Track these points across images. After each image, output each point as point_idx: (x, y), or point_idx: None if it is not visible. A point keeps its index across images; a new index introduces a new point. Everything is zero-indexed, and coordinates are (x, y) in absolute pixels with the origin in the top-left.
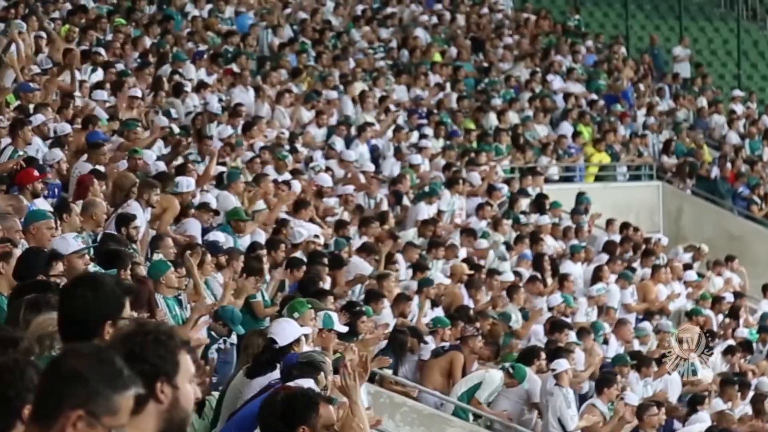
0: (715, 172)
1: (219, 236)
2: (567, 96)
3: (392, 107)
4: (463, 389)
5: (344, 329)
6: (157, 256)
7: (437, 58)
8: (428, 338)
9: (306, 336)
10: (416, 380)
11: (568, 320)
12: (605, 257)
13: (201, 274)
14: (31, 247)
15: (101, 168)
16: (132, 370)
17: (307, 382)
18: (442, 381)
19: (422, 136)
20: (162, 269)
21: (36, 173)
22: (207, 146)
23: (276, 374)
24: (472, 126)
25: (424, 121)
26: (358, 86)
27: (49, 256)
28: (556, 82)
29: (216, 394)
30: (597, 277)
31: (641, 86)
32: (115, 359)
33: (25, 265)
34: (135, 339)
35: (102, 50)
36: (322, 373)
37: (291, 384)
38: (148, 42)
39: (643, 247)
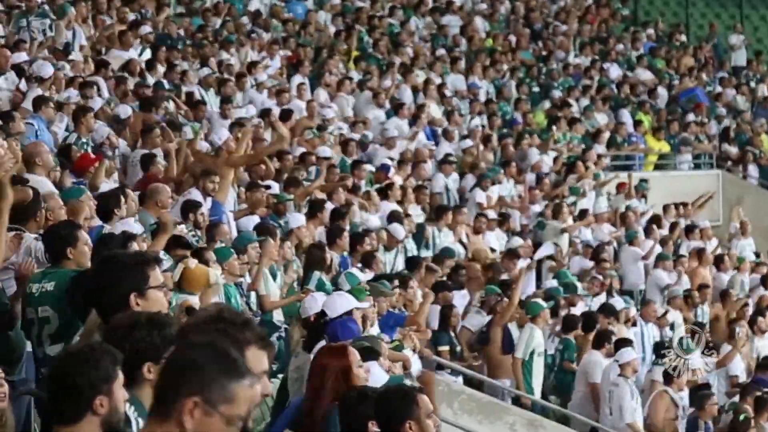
0: None
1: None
2: (620, 84)
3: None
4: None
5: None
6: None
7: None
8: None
9: (365, 315)
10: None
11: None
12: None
13: (267, 260)
14: (107, 232)
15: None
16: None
17: (370, 365)
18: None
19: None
20: (226, 256)
21: (92, 156)
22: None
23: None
24: (541, 118)
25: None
26: (418, 74)
27: (124, 238)
28: (613, 70)
29: (276, 381)
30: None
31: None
32: (230, 349)
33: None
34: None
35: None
36: (380, 358)
37: None
38: (209, 30)
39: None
